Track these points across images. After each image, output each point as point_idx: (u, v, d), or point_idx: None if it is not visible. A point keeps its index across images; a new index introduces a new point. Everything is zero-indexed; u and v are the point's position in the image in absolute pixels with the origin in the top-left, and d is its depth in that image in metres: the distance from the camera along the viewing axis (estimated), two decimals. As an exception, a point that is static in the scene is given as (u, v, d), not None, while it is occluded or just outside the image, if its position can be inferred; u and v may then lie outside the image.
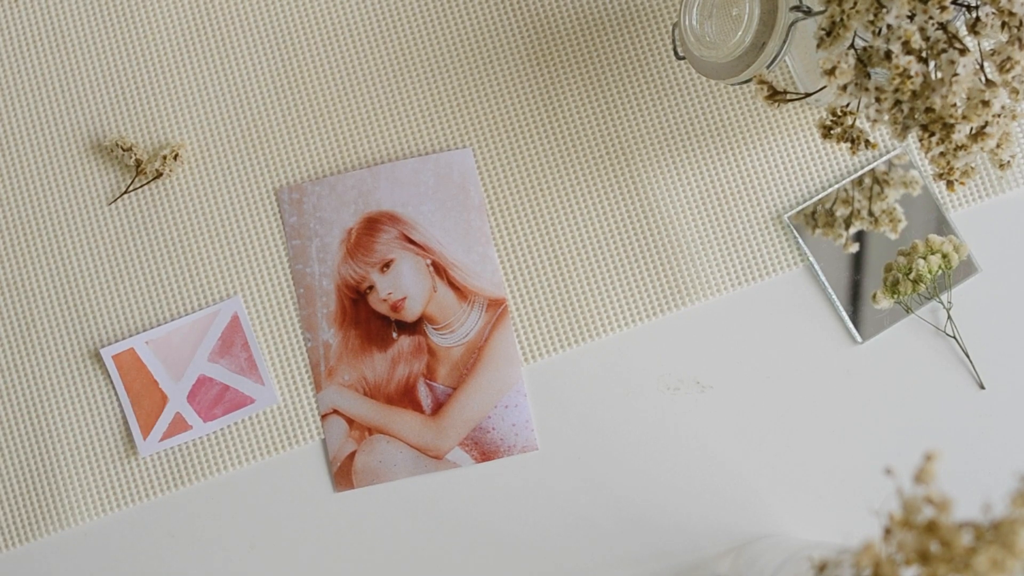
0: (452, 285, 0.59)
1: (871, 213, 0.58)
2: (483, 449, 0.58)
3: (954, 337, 0.58)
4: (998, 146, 0.43)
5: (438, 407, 0.58)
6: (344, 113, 0.59)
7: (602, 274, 0.58)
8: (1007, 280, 0.58)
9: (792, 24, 0.47)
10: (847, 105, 0.46)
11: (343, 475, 0.58)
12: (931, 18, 0.41)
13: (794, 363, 0.58)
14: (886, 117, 0.43)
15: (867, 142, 0.46)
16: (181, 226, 0.59)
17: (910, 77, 0.41)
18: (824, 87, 0.48)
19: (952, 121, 0.42)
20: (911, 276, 0.57)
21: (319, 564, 0.57)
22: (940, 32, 0.41)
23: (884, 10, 0.42)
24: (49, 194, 0.59)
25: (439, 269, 0.59)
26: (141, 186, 0.59)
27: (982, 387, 0.58)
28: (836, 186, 0.58)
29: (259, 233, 0.59)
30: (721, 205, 0.59)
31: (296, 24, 0.60)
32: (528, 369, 0.58)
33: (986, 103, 0.41)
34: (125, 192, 0.59)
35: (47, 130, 0.59)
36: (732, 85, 0.53)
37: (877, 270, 0.58)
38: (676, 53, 0.54)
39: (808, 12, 0.47)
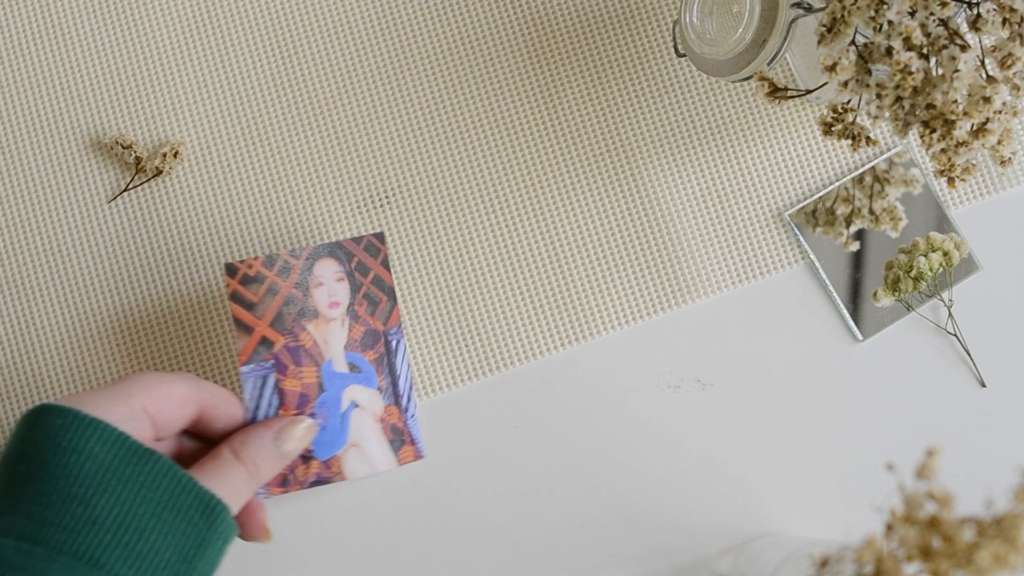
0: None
1: (872, 211, 0.58)
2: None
3: (955, 335, 0.58)
4: (999, 142, 0.43)
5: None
6: (344, 111, 0.59)
7: (601, 272, 0.58)
8: (1008, 277, 0.58)
9: (793, 21, 0.47)
10: (848, 102, 0.46)
11: None
12: (932, 14, 0.41)
13: (795, 361, 0.58)
14: (887, 114, 0.43)
15: (868, 139, 0.46)
16: (181, 224, 0.59)
17: (911, 73, 0.41)
18: (825, 84, 0.48)
19: (953, 117, 0.42)
20: (912, 274, 0.57)
21: (320, 562, 0.57)
22: (941, 28, 0.41)
23: (885, 6, 0.42)
24: (48, 192, 0.59)
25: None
26: (141, 184, 0.59)
27: (983, 384, 0.57)
28: (837, 184, 0.58)
29: (260, 231, 0.59)
30: (721, 202, 0.58)
31: (296, 23, 0.59)
32: (528, 367, 0.58)
33: (987, 99, 0.41)
34: (125, 190, 0.59)
35: (46, 127, 0.59)
36: (733, 82, 0.53)
37: (878, 268, 0.58)
38: (676, 50, 0.54)
39: (809, 9, 0.47)
